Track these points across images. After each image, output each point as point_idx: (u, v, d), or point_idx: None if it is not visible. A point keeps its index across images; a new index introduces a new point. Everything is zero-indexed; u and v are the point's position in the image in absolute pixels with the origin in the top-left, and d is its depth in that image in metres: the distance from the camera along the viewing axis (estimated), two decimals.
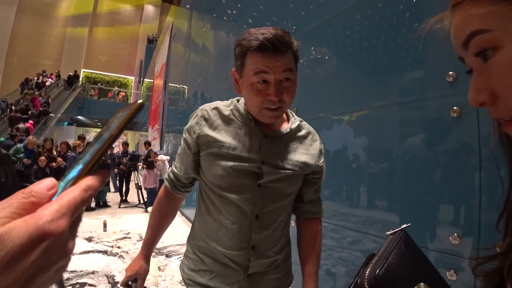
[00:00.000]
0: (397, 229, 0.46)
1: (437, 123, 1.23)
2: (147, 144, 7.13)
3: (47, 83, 13.79)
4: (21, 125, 8.18)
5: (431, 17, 0.33)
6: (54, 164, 5.38)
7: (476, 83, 0.28)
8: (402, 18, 1.45)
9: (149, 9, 22.41)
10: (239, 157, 0.74)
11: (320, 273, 0.86)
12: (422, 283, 0.41)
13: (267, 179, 0.75)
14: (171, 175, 0.87)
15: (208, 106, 0.81)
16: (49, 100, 12.15)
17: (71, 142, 7.02)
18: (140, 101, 0.26)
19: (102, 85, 18.52)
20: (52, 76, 14.18)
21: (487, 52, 0.26)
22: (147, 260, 0.88)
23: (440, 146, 1.22)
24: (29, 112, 9.76)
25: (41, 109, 10.47)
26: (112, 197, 7.11)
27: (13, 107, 10.06)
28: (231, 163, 0.74)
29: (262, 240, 0.78)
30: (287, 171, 0.77)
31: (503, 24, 0.24)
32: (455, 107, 1.11)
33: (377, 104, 1.58)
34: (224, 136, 0.76)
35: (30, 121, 9.09)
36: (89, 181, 0.23)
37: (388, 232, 0.49)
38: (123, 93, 18.74)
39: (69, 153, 5.71)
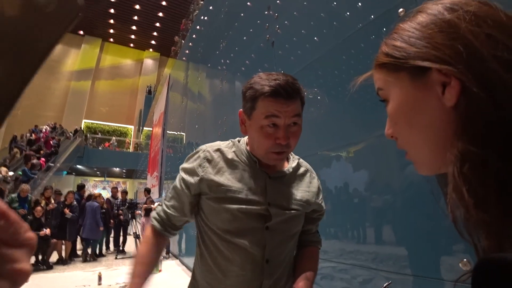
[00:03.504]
0: None
1: None
2: (147, 191, 7.03)
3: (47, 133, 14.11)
4: (35, 161, 9.36)
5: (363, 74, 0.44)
6: (51, 205, 5.51)
7: (387, 121, 0.40)
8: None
9: (148, 62, 23.86)
10: (246, 200, 0.73)
11: None
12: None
13: (275, 221, 0.74)
14: (162, 215, 0.81)
15: (210, 147, 0.80)
16: (59, 143, 13.17)
17: (88, 192, 7.37)
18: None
19: (99, 133, 18.83)
20: (47, 132, 14.02)
21: (384, 101, 0.39)
22: None
23: None
24: (41, 151, 11.24)
25: (52, 149, 11.79)
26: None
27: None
28: (238, 207, 0.73)
29: (272, 285, 0.74)
30: (293, 211, 0.77)
31: (388, 86, 0.37)
32: None
33: (374, 135, 1.61)
34: (229, 180, 0.75)
35: (42, 159, 10.40)
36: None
37: None
38: (128, 141, 19.12)
39: (74, 203, 5.69)
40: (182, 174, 0.80)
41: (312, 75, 2.12)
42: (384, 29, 1.57)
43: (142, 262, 0.77)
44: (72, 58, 20.86)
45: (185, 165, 0.81)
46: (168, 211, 0.80)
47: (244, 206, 0.73)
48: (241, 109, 0.77)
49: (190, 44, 7.13)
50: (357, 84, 0.44)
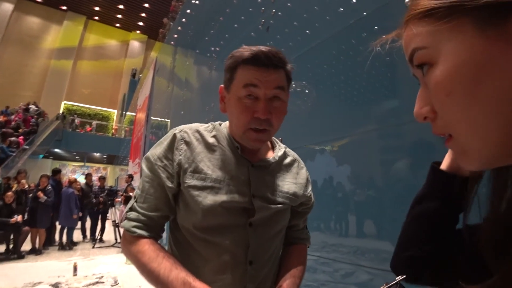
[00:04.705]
0: (391, 283, 0.41)
1: (423, 145, 1.25)
2: (130, 177, 6.83)
3: (31, 110, 13.45)
4: (12, 138, 9.34)
5: (386, 34, 0.34)
6: (20, 185, 5.30)
7: (419, 97, 0.30)
8: (374, 52, 1.53)
9: (135, 44, 22.97)
10: (226, 190, 0.64)
11: None
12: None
13: (260, 216, 0.65)
14: (142, 218, 0.64)
15: (188, 128, 0.70)
16: (38, 121, 12.73)
17: (66, 177, 6.97)
18: None
19: (75, 116, 17.96)
20: (19, 114, 13.12)
21: (424, 66, 0.28)
22: None
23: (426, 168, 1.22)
24: (20, 130, 11.05)
25: (31, 128, 11.58)
26: (77, 235, 6.35)
27: None
28: (219, 198, 0.63)
29: None
30: (279, 205, 0.68)
31: (436, 42, 0.26)
32: None
33: (361, 130, 1.60)
34: (208, 167, 0.65)
35: (21, 137, 10.28)
36: None
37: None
38: (116, 127, 18.46)
39: (48, 188, 5.38)
40: (158, 162, 0.66)
41: (302, 67, 2.08)
42: (376, 27, 1.55)
43: (163, 266, 0.58)
44: (53, 34, 19.69)
45: (156, 151, 0.68)
46: (149, 213, 0.65)
47: (225, 198, 0.63)
48: (222, 85, 0.69)
49: (179, 28, 6.89)
50: (377, 46, 0.35)
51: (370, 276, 1.40)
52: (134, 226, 0.64)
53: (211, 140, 0.69)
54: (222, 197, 0.63)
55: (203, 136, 0.69)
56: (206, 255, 0.64)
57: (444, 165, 0.44)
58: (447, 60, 0.26)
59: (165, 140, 0.68)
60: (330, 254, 1.65)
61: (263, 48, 0.62)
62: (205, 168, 0.65)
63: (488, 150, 0.25)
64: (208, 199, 0.63)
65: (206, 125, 0.74)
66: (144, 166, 0.68)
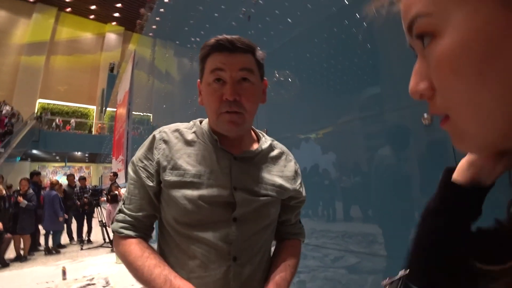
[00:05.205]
0: (394, 278, 0.38)
1: (409, 132, 1.27)
2: (114, 175, 6.65)
3: (4, 111, 12.80)
4: None
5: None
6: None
7: (416, 71, 0.26)
8: (356, 40, 1.54)
9: (111, 37, 22.03)
10: (206, 184, 0.64)
11: None
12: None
13: (243, 210, 0.65)
14: (130, 219, 0.67)
15: (167, 128, 0.71)
16: (12, 121, 12.31)
17: (47, 179, 6.57)
18: None
19: (48, 114, 17.12)
20: None
21: (426, 37, 0.24)
22: None
23: (413, 154, 1.25)
24: None
25: (6, 129, 11.19)
26: (63, 238, 6.11)
27: None
28: (199, 193, 0.63)
29: (242, 287, 0.65)
30: (264, 197, 0.67)
31: (444, 8, 0.22)
32: (425, 115, 1.09)
33: (346, 118, 1.62)
34: (188, 162, 0.66)
35: None
36: None
37: (384, 282, 0.40)
38: (100, 125, 17.78)
39: (30, 192, 5.10)
40: (139, 163, 0.68)
41: (285, 57, 2.07)
42: (358, 15, 1.54)
43: (149, 264, 0.61)
44: (22, 29, 18.50)
45: (138, 153, 0.70)
46: (135, 214, 0.67)
47: (205, 193, 0.63)
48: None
49: (157, 18, 6.66)
50: (374, 10, 0.32)
51: (358, 259, 1.44)
52: (122, 227, 0.66)
53: (191, 137, 0.70)
54: (202, 192, 0.64)
55: (182, 134, 0.70)
56: (189, 251, 0.64)
57: (460, 176, 0.36)
58: (456, 31, 0.22)
59: (146, 142, 0.71)
60: (319, 240, 1.69)
61: (229, 36, 0.64)
62: (184, 164, 0.66)
63: (490, 135, 0.23)
64: (188, 194, 0.63)
65: (187, 123, 0.75)
66: (129, 170, 0.71)
